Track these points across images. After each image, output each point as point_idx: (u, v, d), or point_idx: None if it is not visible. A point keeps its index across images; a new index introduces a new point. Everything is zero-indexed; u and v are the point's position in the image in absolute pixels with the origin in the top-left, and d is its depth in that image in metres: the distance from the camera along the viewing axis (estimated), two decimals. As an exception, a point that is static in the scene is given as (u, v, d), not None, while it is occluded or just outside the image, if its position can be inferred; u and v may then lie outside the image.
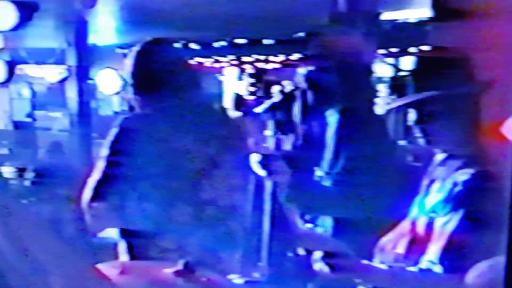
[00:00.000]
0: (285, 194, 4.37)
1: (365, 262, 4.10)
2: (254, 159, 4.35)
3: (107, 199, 4.68)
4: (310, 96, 4.26)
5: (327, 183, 4.20)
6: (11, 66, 4.84)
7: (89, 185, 4.69)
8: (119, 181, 4.63)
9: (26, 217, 4.96)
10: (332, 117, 4.19)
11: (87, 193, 4.70)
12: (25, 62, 4.82)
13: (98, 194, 4.69)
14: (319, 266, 4.24)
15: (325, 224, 4.25)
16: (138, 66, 4.52)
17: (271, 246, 4.49)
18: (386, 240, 4.07)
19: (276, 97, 4.36)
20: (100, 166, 4.67)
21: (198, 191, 4.56)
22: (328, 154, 4.20)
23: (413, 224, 4.03)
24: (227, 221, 4.54)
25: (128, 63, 4.52)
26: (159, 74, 4.50)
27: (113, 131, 4.62)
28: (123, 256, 4.73)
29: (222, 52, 4.40)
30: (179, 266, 4.66)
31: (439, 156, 3.99)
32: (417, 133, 4.02)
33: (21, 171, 4.91)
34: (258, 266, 4.52)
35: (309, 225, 4.29)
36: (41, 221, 4.93)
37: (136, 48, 4.52)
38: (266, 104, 4.39)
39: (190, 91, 4.45)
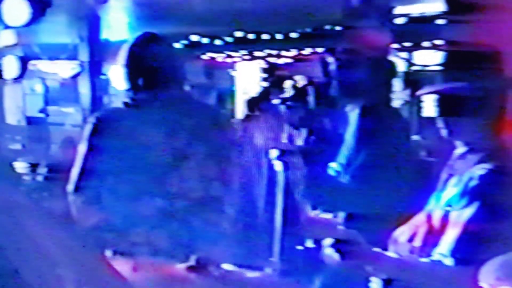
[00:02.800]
0: (300, 189, 4.35)
1: (377, 249, 4.08)
2: (273, 154, 4.34)
3: (85, 192, 4.67)
4: (325, 90, 4.26)
5: (344, 178, 4.19)
6: (24, 61, 4.86)
7: (72, 179, 4.68)
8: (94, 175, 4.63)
9: (38, 212, 4.96)
10: (352, 112, 4.17)
11: (70, 185, 4.70)
12: (38, 58, 4.85)
13: (78, 188, 4.68)
14: (329, 251, 4.19)
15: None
16: (131, 60, 4.51)
17: (283, 241, 4.49)
18: (400, 231, 4.05)
19: (289, 92, 4.36)
20: (78, 160, 4.67)
21: (203, 186, 4.56)
22: (346, 148, 4.19)
23: (429, 217, 4.01)
24: (241, 217, 4.54)
25: (121, 56, 4.52)
26: (152, 68, 4.50)
27: (89, 126, 4.61)
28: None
29: (234, 47, 4.41)
30: (192, 261, 4.66)
31: (459, 150, 3.97)
32: (440, 125, 4.00)
33: (34, 166, 4.93)
34: (270, 261, 4.52)
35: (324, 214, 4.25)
36: (53, 217, 4.94)
37: (129, 42, 4.52)
38: (278, 99, 4.39)
39: (184, 86, 4.45)
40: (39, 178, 4.92)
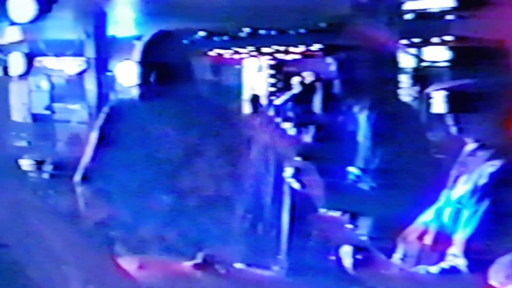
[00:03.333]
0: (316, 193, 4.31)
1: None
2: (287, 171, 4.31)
3: (94, 183, 4.65)
4: (334, 87, 4.22)
5: (364, 184, 4.15)
6: (30, 58, 4.83)
7: (80, 166, 4.65)
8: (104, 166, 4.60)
9: (44, 210, 4.94)
10: (362, 113, 4.13)
11: (78, 174, 4.67)
12: (44, 54, 4.82)
13: (87, 178, 4.65)
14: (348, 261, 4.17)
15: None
16: (145, 56, 4.49)
17: (290, 239, 4.46)
18: (410, 230, 4.02)
19: (296, 89, 4.33)
20: (89, 150, 4.64)
21: (212, 184, 4.53)
22: (363, 150, 4.14)
23: (439, 215, 3.97)
24: (249, 214, 4.51)
25: (137, 53, 4.50)
26: (166, 64, 4.48)
27: (102, 115, 4.59)
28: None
29: (242, 43, 4.37)
30: (198, 259, 4.63)
31: (470, 147, 3.93)
32: (449, 122, 3.96)
33: (39, 163, 4.90)
34: (277, 259, 4.49)
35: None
36: (59, 214, 4.92)
37: (145, 39, 4.50)
38: (286, 96, 4.36)
39: (203, 82, 4.42)
40: (45, 176, 4.90)
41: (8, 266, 5.01)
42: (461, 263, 3.85)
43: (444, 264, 3.87)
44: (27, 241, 5.01)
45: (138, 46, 4.48)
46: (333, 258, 4.23)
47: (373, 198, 4.15)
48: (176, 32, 4.43)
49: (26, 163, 4.92)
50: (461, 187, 3.87)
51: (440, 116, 3.98)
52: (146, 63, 4.48)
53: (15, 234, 5.04)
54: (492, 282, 4.01)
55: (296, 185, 4.30)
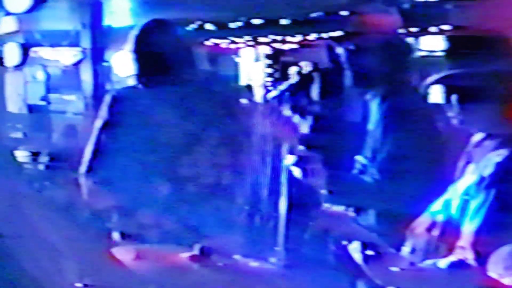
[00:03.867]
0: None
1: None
2: (289, 159, 4.27)
3: (98, 172, 4.63)
4: (331, 76, 4.20)
5: (369, 174, 4.12)
6: (25, 48, 4.80)
7: (85, 157, 4.63)
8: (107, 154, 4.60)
9: (40, 201, 4.91)
10: (373, 101, 4.09)
11: (83, 165, 4.66)
12: (39, 45, 4.78)
13: (91, 168, 4.63)
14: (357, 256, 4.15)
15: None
16: (139, 46, 4.47)
17: (287, 230, 4.43)
18: (418, 222, 3.98)
19: (294, 79, 4.30)
20: (93, 138, 4.63)
21: (207, 173, 4.51)
22: (371, 140, 4.11)
23: (446, 207, 3.94)
24: (246, 205, 4.49)
25: (130, 42, 4.48)
26: (160, 54, 4.46)
27: (105, 105, 4.57)
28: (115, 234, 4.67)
29: (238, 33, 4.34)
30: (195, 251, 4.60)
31: (476, 137, 3.90)
32: (454, 112, 3.92)
33: (35, 155, 4.87)
34: (275, 251, 4.46)
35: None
36: (55, 206, 4.89)
37: (137, 28, 4.49)
38: (283, 86, 4.33)
39: (198, 71, 4.40)
40: (41, 167, 4.87)
41: (3, 258, 4.99)
42: (469, 256, 3.82)
43: (453, 258, 3.84)
44: (22, 232, 4.98)
45: (131, 36, 4.47)
46: (332, 248, 4.22)
47: (379, 189, 4.12)
48: (169, 21, 4.41)
49: (21, 155, 4.89)
50: (468, 178, 3.84)
51: (442, 106, 3.95)
52: (141, 52, 4.47)
53: (10, 226, 5.02)
54: (491, 273, 3.98)
55: (298, 173, 4.27)
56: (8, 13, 4.78)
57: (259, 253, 4.47)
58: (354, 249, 4.09)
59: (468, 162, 3.87)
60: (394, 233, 4.01)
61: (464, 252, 3.83)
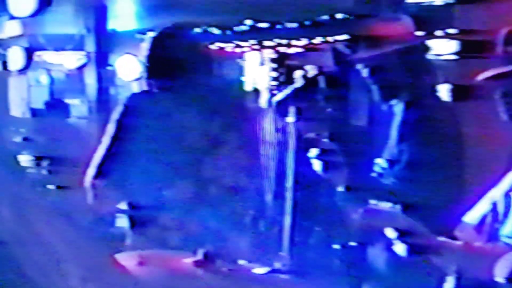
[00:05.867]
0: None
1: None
2: (312, 151, 4.26)
3: (109, 175, 4.62)
4: (336, 80, 4.18)
5: (388, 178, 4.11)
6: (29, 52, 4.79)
7: (94, 162, 4.62)
8: (122, 158, 4.59)
9: (43, 206, 4.89)
10: (397, 106, 4.08)
11: (91, 170, 4.64)
12: (43, 49, 4.77)
13: (101, 172, 4.63)
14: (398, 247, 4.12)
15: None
16: (154, 51, 4.47)
17: (292, 235, 4.40)
18: (472, 213, 3.98)
19: (299, 82, 4.28)
20: (105, 143, 4.61)
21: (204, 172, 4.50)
22: (391, 143, 4.10)
23: (493, 208, 3.96)
24: (251, 210, 4.47)
25: (145, 47, 4.48)
26: (174, 59, 4.45)
27: (119, 108, 4.56)
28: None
29: (243, 36, 4.33)
30: (199, 256, 4.58)
31: None
32: (502, 107, 3.89)
33: (38, 159, 4.85)
34: (280, 256, 4.43)
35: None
36: (58, 210, 4.87)
37: (153, 34, 4.48)
38: (288, 89, 4.31)
39: (205, 76, 4.39)
40: (44, 172, 4.85)
41: (6, 263, 4.96)
42: None
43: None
44: (25, 237, 4.96)
45: (146, 41, 4.48)
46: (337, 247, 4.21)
47: (398, 191, 4.12)
48: (180, 28, 4.42)
49: (24, 159, 4.87)
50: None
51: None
52: (153, 58, 4.48)
53: (13, 231, 4.99)
54: (497, 278, 3.97)
55: (318, 166, 4.24)
56: (12, 17, 4.78)
57: (264, 258, 4.45)
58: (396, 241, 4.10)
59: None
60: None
61: (509, 240, 3.86)
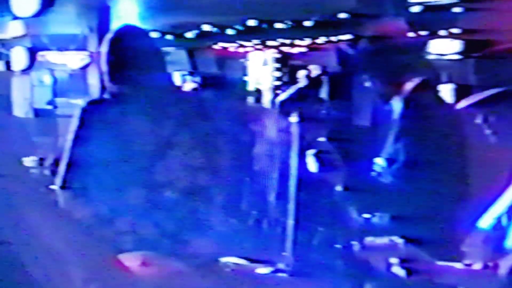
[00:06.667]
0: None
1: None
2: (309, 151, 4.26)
3: (72, 186, 4.64)
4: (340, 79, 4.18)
5: (387, 177, 4.10)
6: (32, 53, 4.78)
7: (59, 173, 4.64)
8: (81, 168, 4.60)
9: (46, 206, 4.88)
10: (395, 104, 4.07)
11: (58, 180, 4.65)
12: (46, 49, 4.76)
13: (66, 182, 4.63)
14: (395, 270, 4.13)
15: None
16: (112, 53, 4.48)
17: (295, 236, 4.39)
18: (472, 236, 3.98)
19: (302, 82, 4.28)
20: (65, 154, 4.63)
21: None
22: (390, 142, 4.09)
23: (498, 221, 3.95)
24: (254, 210, 4.46)
25: (103, 51, 4.49)
26: (133, 61, 4.46)
27: (74, 121, 4.58)
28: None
29: (246, 36, 4.32)
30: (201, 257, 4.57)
31: None
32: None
33: (41, 160, 4.84)
34: (283, 256, 4.42)
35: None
36: (61, 211, 4.86)
37: (108, 36, 4.50)
38: (292, 89, 4.30)
39: (162, 77, 4.41)
40: (47, 172, 4.84)
41: (9, 264, 4.95)
42: None
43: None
44: (28, 238, 4.95)
45: (105, 40, 4.48)
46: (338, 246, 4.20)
47: (397, 192, 4.11)
48: (142, 27, 4.44)
49: (28, 159, 4.86)
50: None
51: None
52: (114, 59, 4.48)
53: (16, 231, 4.98)
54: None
55: (314, 166, 4.23)
56: (15, 17, 4.77)
57: (267, 259, 4.43)
58: (395, 265, 4.10)
59: None
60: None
61: None
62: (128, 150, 4.47)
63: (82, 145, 4.58)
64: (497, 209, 3.93)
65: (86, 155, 4.58)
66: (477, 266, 3.94)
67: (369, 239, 4.14)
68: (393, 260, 4.11)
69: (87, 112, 4.56)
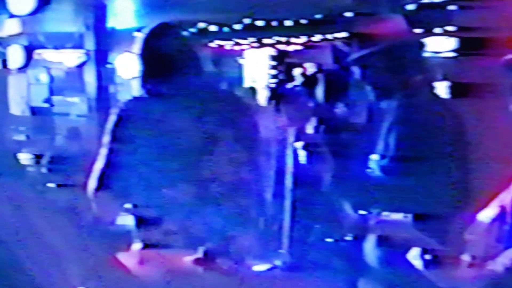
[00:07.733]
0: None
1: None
2: (298, 145, 4.26)
3: (111, 186, 4.62)
4: (336, 77, 4.19)
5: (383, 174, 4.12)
6: (29, 51, 4.79)
7: (94, 174, 4.63)
8: (122, 167, 4.59)
9: (43, 205, 4.89)
10: (391, 102, 4.09)
11: (92, 182, 4.64)
12: (43, 47, 4.77)
13: (103, 183, 4.62)
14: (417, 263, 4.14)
15: None
16: (147, 50, 4.47)
17: (292, 233, 4.40)
18: (474, 227, 3.98)
19: (298, 80, 4.28)
20: (102, 154, 4.62)
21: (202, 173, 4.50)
22: (384, 139, 4.11)
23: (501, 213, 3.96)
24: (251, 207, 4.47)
25: (137, 47, 4.48)
26: (167, 58, 4.45)
27: (112, 118, 4.57)
28: (137, 244, 4.66)
29: (242, 34, 4.33)
30: (199, 254, 4.58)
31: None
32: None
33: (38, 157, 4.85)
34: (279, 253, 4.43)
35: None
36: (58, 209, 4.87)
37: (144, 32, 4.48)
38: (288, 87, 4.31)
39: (199, 74, 4.40)
40: (44, 170, 4.85)
41: (6, 262, 4.96)
42: None
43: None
44: (25, 236, 4.96)
45: (138, 39, 4.47)
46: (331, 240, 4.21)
47: (391, 187, 4.12)
48: (176, 24, 4.42)
49: (24, 157, 4.87)
50: None
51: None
52: (147, 56, 4.47)
53: (13, 230, 4.99)
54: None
55: (303, 157, 4.24)
56: (12, 16, 4.78)
57: (264, 256, 4.45)
58: (414, 256, 4.10)
59: None
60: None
61: None
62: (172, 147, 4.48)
63: (120, 144, 4.58)
64: (497, 202, 3.94)
65: (125, 154, 4.57)
66: (477, 259, 3.95)
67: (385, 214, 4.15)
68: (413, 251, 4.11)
69: (125, 111, 4.55)
